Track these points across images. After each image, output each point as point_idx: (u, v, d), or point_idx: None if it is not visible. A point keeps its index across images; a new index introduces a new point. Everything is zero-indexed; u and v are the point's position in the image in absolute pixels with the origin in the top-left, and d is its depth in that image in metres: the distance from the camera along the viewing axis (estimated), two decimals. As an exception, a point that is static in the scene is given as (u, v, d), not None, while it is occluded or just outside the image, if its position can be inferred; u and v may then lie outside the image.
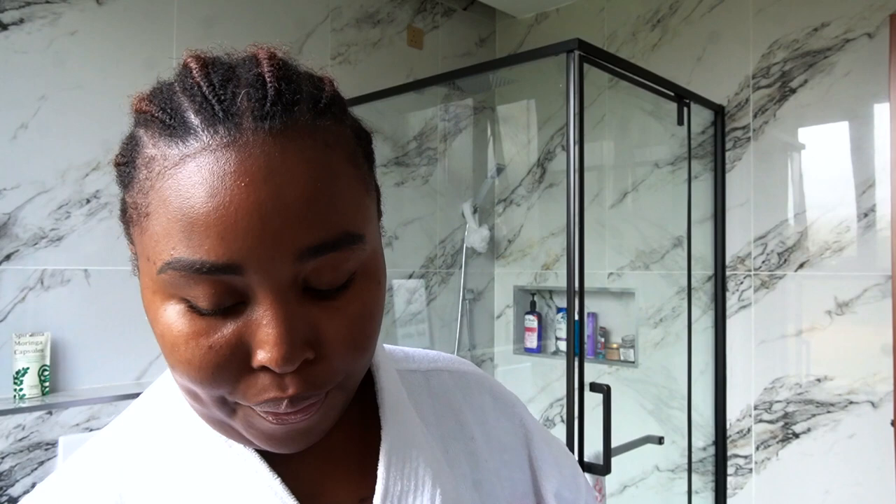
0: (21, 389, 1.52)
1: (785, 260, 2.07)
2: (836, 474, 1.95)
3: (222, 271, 0.35)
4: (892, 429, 1.71)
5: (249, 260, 0.35)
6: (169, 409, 0.46)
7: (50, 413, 1.51)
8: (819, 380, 1.99)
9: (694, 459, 2.19)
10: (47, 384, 1.56)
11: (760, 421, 2.11)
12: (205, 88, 0.36)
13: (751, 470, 2.13)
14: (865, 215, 1.93)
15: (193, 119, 0.36)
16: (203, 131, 0.35)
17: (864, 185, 1.93)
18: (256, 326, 0.36)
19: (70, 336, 1.65)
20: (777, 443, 2.07)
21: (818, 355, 2.00)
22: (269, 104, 0.36)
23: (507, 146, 2.82)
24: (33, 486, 1.48)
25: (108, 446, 0.45)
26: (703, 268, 2.24)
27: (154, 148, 0.37)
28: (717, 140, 2.21)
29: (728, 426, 2.18)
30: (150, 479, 0.43)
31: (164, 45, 1.84)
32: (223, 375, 0.37)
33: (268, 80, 0.37)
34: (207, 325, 0.36)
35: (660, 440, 2.02)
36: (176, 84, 0.38)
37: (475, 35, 2.83)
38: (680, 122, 2.12)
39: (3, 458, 1.44)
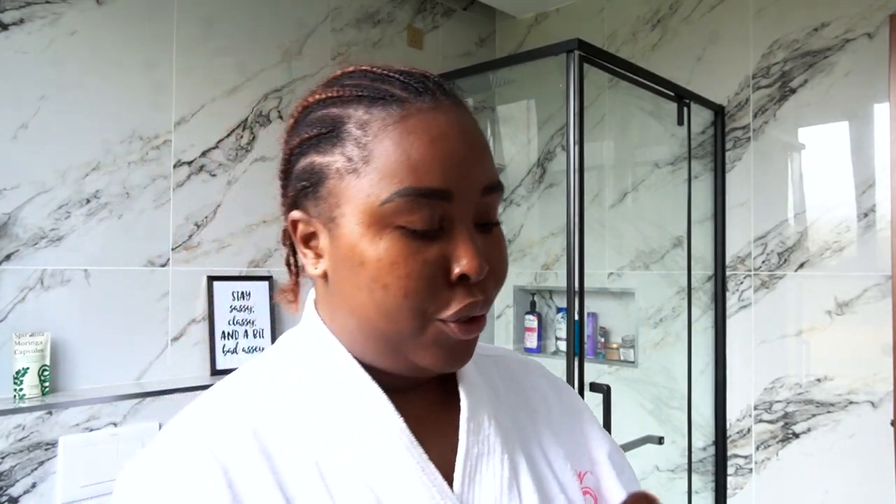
0: (21, 389, 1.52)
1: (785, 260, 2.07)
2: (836, 474, 1.95)
3: (438, 196, 0.47)
4: (892, 429, 1.71)
5: (457, 188, 0.48)
6: (290, 362, 0.54)
7: (50, 413, 1.51)
8: (819, 380, 1.99)
9: (694, 459, 2.19)
10: (47, 384, 1.56)
11: (760, 421, 2.11)
12: (398, 76, 0.50)
13: (751, 470, 2.13)
14: (865, 215, 1.93)
15: (401, 93, 0.49)
16: (413, 100, 0.49)
17: (864, 185, 1.93)
18: (455, 246, 0.48)
19: (70, 336, 1.65)
20: (777, 443, 2.07)
21: (818, 355, 2.00)
22: (443, 86, 0.51)
23: (507, 146, 2.82)
24: (33, 486, 1.48)
25: (235, 391, 0.52)
26: (703, 268, 2.24)
27: (367, 114, 0.48)
28: (717, 140, 2.21)
29: (728, 426, 2.18)
30: (281, 416, 0.50)
31: (164, 45, 1.84)
32: (432, 285, 0.47)
33: (428, 73, 0.52)
34: (420, 245, 0.47)
35: (660, 440, 2.02)
36: (359, 76, 0.52)
37: (475, 35, 2.83)
38: (680, 122, 2.12)
39: (3, 458, 1.44)
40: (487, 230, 0.51)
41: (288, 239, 0.58)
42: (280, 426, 0.50)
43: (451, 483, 0.51)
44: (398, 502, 0.48)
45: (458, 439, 0.53)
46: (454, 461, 0.52)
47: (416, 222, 0.47)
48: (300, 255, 0.54)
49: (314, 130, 0.51)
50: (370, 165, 0.47)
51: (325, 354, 0.53)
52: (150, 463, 0.47)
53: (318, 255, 0.52)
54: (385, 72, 0.51)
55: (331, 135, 0.50)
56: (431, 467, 0.50)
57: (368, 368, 0.52)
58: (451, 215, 0.48)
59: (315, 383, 0.52)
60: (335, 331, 0.53)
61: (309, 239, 0.53)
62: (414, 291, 0.47)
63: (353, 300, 0.49)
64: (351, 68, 0.53)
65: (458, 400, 0.56)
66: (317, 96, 0.52)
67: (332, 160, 0.49)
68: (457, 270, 0.48)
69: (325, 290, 0.53)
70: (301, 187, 0.51)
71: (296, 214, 0.52)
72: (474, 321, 0.50)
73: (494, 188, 0.50)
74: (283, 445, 0.49)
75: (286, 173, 0.54)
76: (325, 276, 0.52)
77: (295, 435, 0.49)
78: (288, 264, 0.60)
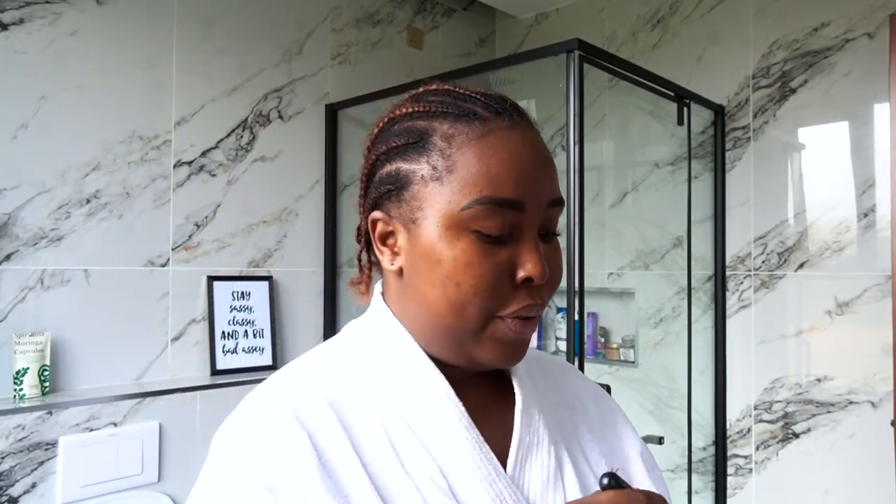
0: (21, 389, 1.52)
1: (785, 260, 2.07)
2: (835, 474, 1.95)
3: (512, 206, 0.53)
4: (892, 429, 1.71)
5: (529, 200, 0.53)
6: (361, 347, 0.60)
7: (50, 413, 1.51)
8: (819, 380, 1.99)
9: (694, 459, 2.19)
10: (47, 384, 1.56)
11: (760, 421, 2.11)
12: (479, 96, 0.56)
13: (751, 470, 2.13)
14: (865, 215, 1.93)
15: (483, 112, 0.54)
16: (493, 119, 0.54)
17: (864, 185, 1.93)
18: (522, 252, 0.54)
19: (70, 336, 1.65)
20: (777, 443, 2.07)
21: (818, 355, 2.00)
22: (519, 109, 0.57)
23: (507, 146, 2.81)
24: (33, 486, 1.48)
25: (312, 366, 0.58)
26: (703, 268, 2.24)
27: (452, 129, 0.54)
28: (717, 140, 2.21)
29: (728, 426, 2.18)
30: (353, 392, 0.56)
31: (164, 45, 1.84)
32: (499, 285, 0.53)
33: (505, 97, 0.57)
34: (491, 249, 0.53)
35: (660, 440, 2.02)
36: (443, 94, 0.57)
37: (475, 35, 2.83)
38: (680, 122, 2.12)
39: (3, 458, 1.44)
40: (548, 239, 0.57)
41: (363, 236, 0.63)
42: (353, 401, 0.55)
43: (504, 466, 0.55)
44: (459, 475, 0.53)
45: (507, 428, 0.58)
46: (505, 447, 0.57)
47: (491, 228, 0.52)
48: (376, 252, 0.59)
49: (402, 140, 0.56)
50: (453, 175, 0.53)
51: (394, 342, 0.58)
52: (244, 426, 0.53)
53: (395, 253, 0.57)
54: (467, 92, 0.57)
55: (417, 145, 0.55)
56: (487, 448, 0.54)
57: (431, 358, 0.57)
58: (521, 224, 0.54)
59: (385, 366, 0.57)
60: (403, 322, 0.58)
61: (386, 238, 0.58)
62: (483, 290, 0.52)
63: (425, 295, 0.54)
64: (434, 86, 0.59)
65: (508, 393, 0.61)
66: (403, 109, 0.58)
67: (417, 168, 0.55)
68: (522, 274, 0.53)
69: (398, 284, 0.59)
70: (385, 190, 0.57)
71: (377, 214, 0.58)
72: (529, 321, 0.55)
73: (558, 202, 0.56)
74: (357, 418, 0.54)
75: (369, 177, 0.60)
76: (399, 271, 0.57)
77: (367, 410, 0.55)
78: (359, 259, 0.65)
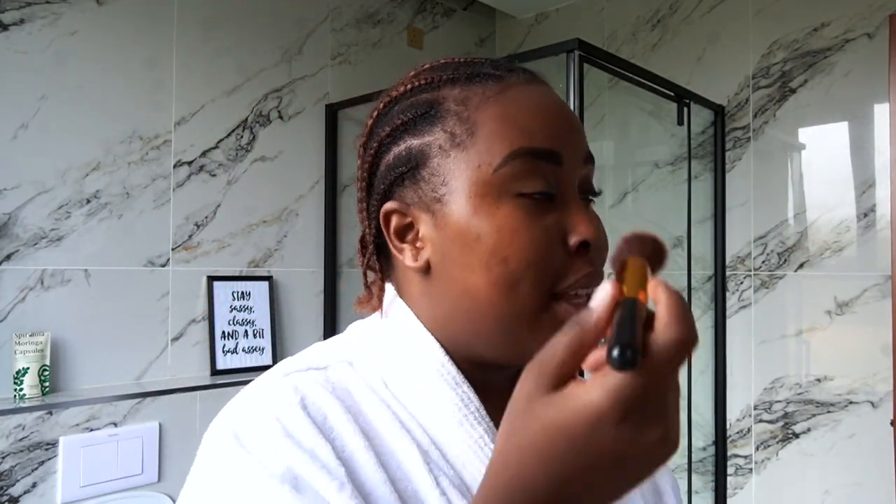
0: (21, 389, 1.52)
1: (785, 260, 2.07)
2: (836, 474, 1.95)
3: (550, 158, 0.46)
4: (892, 429, 1.71)
5: (566, 151, 0.47)
6: (374, 351, 0.52)
7: (50, 413, 1.51)
8: (819, 380, 1.99)
9: (694, 459, 2.19)
10: (47, 384, 1.56)
11: (760, 421, 2.11)
12: (486, 60, 0.51)
13: (751, 470, 2.13)
14: (865, 215, 1.93)
15: (495, 72, 0.49)
16: (508, 76, 0.49)
17: (864, 185, 1.93)
18: (570, 214, 0.47)
19: (70, 336, 1.65)
20: (777, 443, 2.07)
21: (818, 355, 2.00)
22: (530, 70, 0.51)
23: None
24: (33, 486, 1.48)
25: (318, 370, 0.50)
26: (703, 268, 2.24)
27: (465, 92, 0.48)
28: (717, 140, 2.21)
29: (728, 426, 2.18)
30: (371, 400, 0.49)
31: (164, 45, 1.84)
32: (552, 254, 0.46)
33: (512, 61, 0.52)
34: (537, 212, 0.46)
35: (660, 440, 2.02)
36: (443, 66, 0.51)
37: (475, 35, 2.83)
38: (680, 122, 2.12)
39: (3, 458, 1.44)
40: (586, 204, 0.50)
41: (371, 242, 0.54)
42: (371, 410, 0.48)
43: None
44: None
45: None
46: None
47: (530, 186, 0.46)
48: (393, 252, 0.51)
49: (407, 115, 0.49)
50: (476, 136, 0.47)
51: (415, 348, 0.50)
52: (250, 411, 0.46)
53: (417, 247, 0.50)
54: (471, 58, 0.52)
55: (428, 115, 0.49)
56: None
57: (462, 368, 0.50)
58: (561, 182, 0.47)
59: (405, 376, 0.50)
60: (428, 326, 0.51)
61: (404, 233, 0.50)
62: (536, 262, 0.45)
63: (464, 283, 0.47)
64: (428, 65, 0.53)
65: None
66: (402, 88, 0.51)
67: (432, 139, 0.48)
68: (575, 238, 0.46)
69: (424, 284, 0.50)
70: (397, 174, 0.49)
71: (390, 205, 0.50)
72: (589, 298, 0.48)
73: (591, 159, 0.50)
74: (377, 429, 0.47)
75: (372, 170, 0.52)
76: (426, 267, 0.49)
77: (388, 421, 0.48)
78: (365, 275, 0.56)
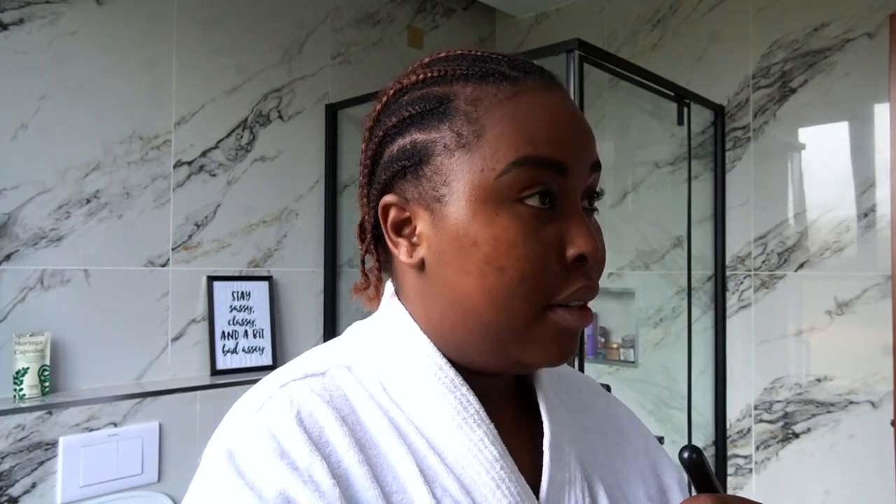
0: (21, 389, 1.52)
1: (785, 260, 2.07)
2: (836, 474, 1.95)
3: (555, 168, 0.46)
4: (892, 429, 1.71)
5: (573, 161, 0.46)
6: (371, 354, 0.51)
7: (50, 413, 1.51)
8: (819, 380, 1.99)
9: (694, 459, 2.19)
10: (47, 384, 1.56)
11: (760, 421, 2.11)
12: (503, 57, 0.49)
13: (751, 470, 2.13)
14: (865, 215, 1.93)
15: (511, 72, 0.47)
16: (524, 79, 0.47)
17: (864, 185, 1.93)
18: (569, 226, 0.46)
19: (70, 336, 1.65)
20: (777, 443, 2.07)
21: (818, 355, 2.00)
22: (548, 71, 0.50)
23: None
24: (33, 486, 1.48)
25: (312, 376, 0.49)
26: (703, 268, 2.24)
27: (477, 91, 0.47)
28: (717, 140, 2.21)
29: (728, 426, 2.18)
30: (367, 406, 0.48)
31: (164, 45, 1.84)
32: (547, 268, 0.45)
33: (530, 60, 0.50)
34: (536, 223, 0.45)
35: (660, 440, 2.02)
36: (460, 58, 0.49)
37: (475, 35, 2.83)
38: (680, 122, 2.12)
39: (3, 458, 1.44)
40: (588, 214, 0.50)
41: (369, 231, 0.54)
42: (366, 417, 0.47)
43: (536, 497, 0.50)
44: None
45: (535, 452, 0.52)
46: (534, 474, 0.50)
47: (534, 196, 0.45)
48: (389, 245, 0.50)
49: (416, 108, 0.48)
50: (482, 139, 0.46)
51: (414, 351, 0.49)
52: (249, 421, 0.45)
53: (413, 244, 0.49)
54: (489, 53, 0.50)
55: (436, 111, 0.47)
56: (523, 480, 0.48)
57: (458, 368, 0.49)
58: (564, 193, 0.47)
59: (402, 379, 0.49)
60: (424, 326, 0.50)
61: (401, 227, 0.50)
62: (531, 275, 0.44)
63: (458, 287, 0.46)
64: (443, 53, 0.51)
65: (533, 414, 0.54)
66: (413, 77, 0.49)
67: (438, 136, 0.47)
68: (572, 251, 0.46)
69: (419, 281, 0.50)
70: (400, 167, 0.48)
71: (389, 198, 0.49)
72: (586, 309, 0.47)
73: (598, 166, 0.50)
74: (372, 436, 0.46)
75: (375, 158, 0.51)
76: (420, 265, 0.49)
77: (383, 428, 0.47)
78: (363, 261, 0.56)
